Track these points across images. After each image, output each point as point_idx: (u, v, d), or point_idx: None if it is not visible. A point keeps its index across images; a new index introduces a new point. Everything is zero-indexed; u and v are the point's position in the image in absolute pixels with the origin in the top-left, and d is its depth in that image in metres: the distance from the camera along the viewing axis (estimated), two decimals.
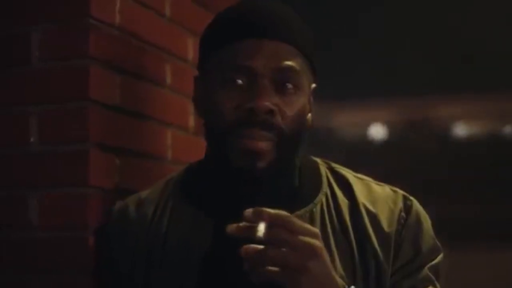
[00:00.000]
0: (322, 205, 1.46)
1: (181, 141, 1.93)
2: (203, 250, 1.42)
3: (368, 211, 1.46)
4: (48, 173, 1.62)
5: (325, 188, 1.48)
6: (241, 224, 1.20)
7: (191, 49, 1.96)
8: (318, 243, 1.21)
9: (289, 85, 1.39)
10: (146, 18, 1.81)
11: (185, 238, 1.44)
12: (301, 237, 1.20)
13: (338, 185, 1.50)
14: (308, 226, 1.23)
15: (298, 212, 1.42)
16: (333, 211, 1.46)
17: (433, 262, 1.45)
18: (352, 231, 1.44)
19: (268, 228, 1.19)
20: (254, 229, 1.18)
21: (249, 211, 1.20)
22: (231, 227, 1.21)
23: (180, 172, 1.56)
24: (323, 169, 1.52)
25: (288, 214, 1.22)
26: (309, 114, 1.48)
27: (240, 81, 1.38)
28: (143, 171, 1.77)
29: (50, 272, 1.61)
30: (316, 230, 1.23)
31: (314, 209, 1.44)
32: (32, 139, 1.63)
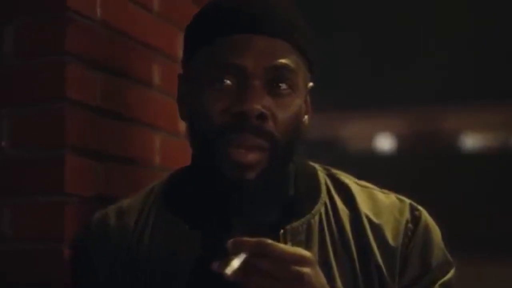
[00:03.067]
0: (320, 215, 1.38)
1: (171, 146, 1.88)
2: (189, 264, 1.35)
3: (371, 222, 1.39)
4: (21, 180, 1.56)
5: (324, 197, 1.41)
6: (223, 260, 1.15)
7: (181, 47, 1.87)
8: (305, 269, 1.15)
9: (283, 86, 1.31)
10: (131, 13, 1.75)
11: (169, 252, 1.38)
12: (286, 265, 1.14)
13: (339, 194, 1.42)
14: (296, 250, 1.17)
15: (294, 224, 1.35)
16: (332, 223, 1.38)
17: (445, 278, 1.38)
18: (353, 244, 1.37)
19: (248, 259, 1.14)
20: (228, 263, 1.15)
21: (230, 243, 1.16)
22: (214, 266, 1.16)
23: (164, 179, 1.50)
24: (322, 175, 1.44)
25: (270, 242, 1.15)
26: (306, 116, 1.40)
27: (228, 82, 1.30)
28: (128, 178, 1.72)
29: (23, 287, 1.56)
30: (306, 253, 1.17)
31: (312, 220, 1.37)
32: (3, 143, 1.58)
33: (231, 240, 1.15)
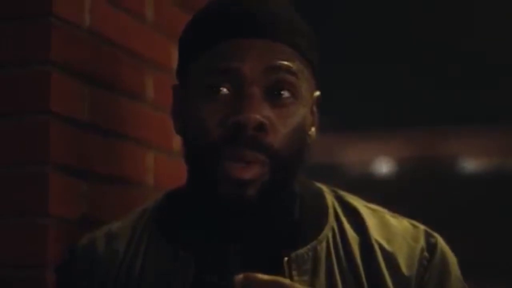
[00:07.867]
0: (328, 241, 1.31)
1: (165, 165, 1.84)
2: None
3: (383, 250, 1.32)
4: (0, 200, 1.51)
5: (332, 221, 1.33)
6: None
7: (176, 58, 1.82)
8: None
9: (285, 94, 1.24)
10: (123, 21, 1.72)
11: (162, 280, 1.31)
12: None
13: (347, 218, 1.35)
14: None
15: (299, 251, 1.28)
16: (341, 250, 1.31)
17: None
18: (364, 273, 1.30)
19: None
20: None
21: (239, 278, 1.08)
22: None
23: (157, 200, 1.42)
24: (330, 198, 1.37)
25: (289, 283, 1.09)
26: (313, 129, 1.33)
27: (224, 90, 1.23)
28: (117, 199, 1.68)
29: None
30: None
31: (319, 247, 1.30)
32: None
33: (241, 275, 1.08)
